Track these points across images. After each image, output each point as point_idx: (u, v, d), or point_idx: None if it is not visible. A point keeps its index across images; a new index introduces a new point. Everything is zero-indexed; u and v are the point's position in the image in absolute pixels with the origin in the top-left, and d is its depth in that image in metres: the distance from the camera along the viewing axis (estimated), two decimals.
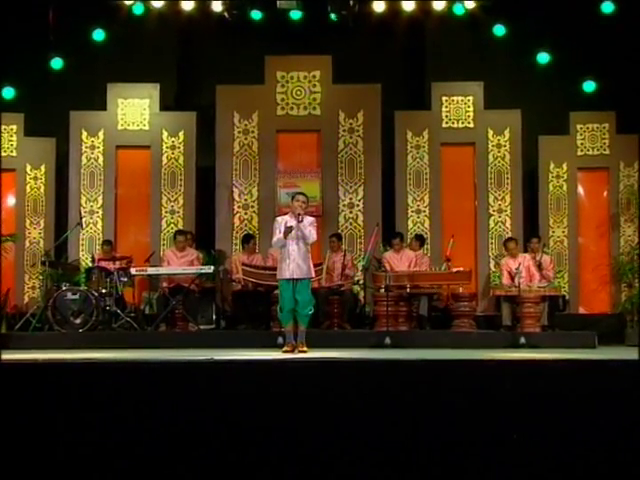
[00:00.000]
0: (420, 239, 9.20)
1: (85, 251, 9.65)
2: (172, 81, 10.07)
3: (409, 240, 9.27)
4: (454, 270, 8.30)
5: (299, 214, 6.46)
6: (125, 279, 8.44)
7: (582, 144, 9.84)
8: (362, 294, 9.11)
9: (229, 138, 9.81)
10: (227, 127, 9.81)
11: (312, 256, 6.87)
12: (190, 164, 9.83)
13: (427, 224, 9.74)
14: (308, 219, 6.55)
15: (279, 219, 6.70)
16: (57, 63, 9.58)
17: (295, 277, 6.47)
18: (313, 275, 6.75)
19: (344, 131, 9.82)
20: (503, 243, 9.08)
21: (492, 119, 9.79)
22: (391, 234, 9.14)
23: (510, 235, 9.51)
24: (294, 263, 6.46)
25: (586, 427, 3.71)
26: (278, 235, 6.53)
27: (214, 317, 8.83)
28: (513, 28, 9.57)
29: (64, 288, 8.20)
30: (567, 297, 9.33)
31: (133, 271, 8.37)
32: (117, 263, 8.65)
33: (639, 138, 8.75)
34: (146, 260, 8.75)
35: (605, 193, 9.82)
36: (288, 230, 6.44)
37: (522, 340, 7.51)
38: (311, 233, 6.50)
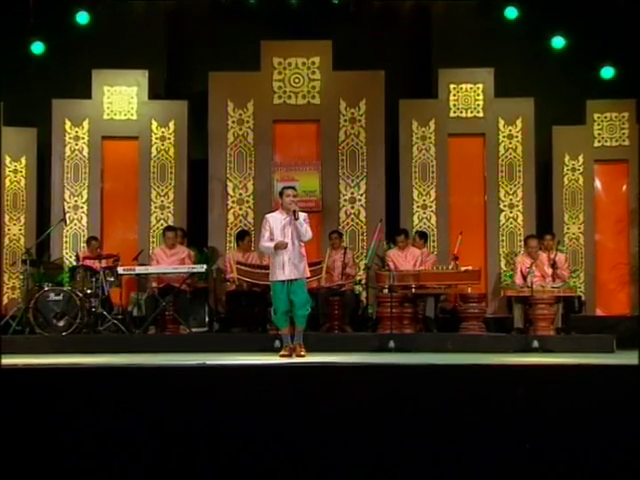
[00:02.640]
0: (423, 236, 9.20)
1: (69, 249, 9.65)
2: (162, 67, 10.05)
3: (411, 237, 9.25)
4: (462, 269, 8.30)
5: (294, 211, 6.43)
6: (112, 279, 8.44)
7: (599, 134, 9.83)
8: (364, 294, 9.12)
9: (223, 128, 9.80)
10: (221, 117, 9.81)
11: (311, 254, 6.88)
12: (181, 156, 9.83)
13: (433, 220, 9.74)
14: (301, 215, 6.52)
15: (269, 217, 6.62)
16: (38, 47, 9.56)
17: (292, 278, 6.45)
18: (308, 275, 6.73)
19: (345, 121, 9.82)
20: (524, 240, 9.03)
21: (503, 108, 9.78)
22: (395, 231, 9.14)
23: (522, 232, 9.53)
24: (290, 264, 6.43)
25: (603, 436, 3.71)
26: (268, 242, 6.49)
27: (207, 319, 8.83)
28: (526, 11, 9.56)
29: (46, 288, 8.20)
30: (583, 298, 9.32)
31: (120, 270, 8.36)
32: (103, 262, 8.64)
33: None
34: (134, 258, 8.74)
35: (624, 187, 9.81)
36: (281, 246, 6.41)
37: (535, 344, 7.52)
38: (307, 231, 6.47)
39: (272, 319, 6.83)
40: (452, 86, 9.84)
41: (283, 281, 6.46)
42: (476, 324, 8.25)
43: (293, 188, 6.69)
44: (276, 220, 6.54)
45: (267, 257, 8.58)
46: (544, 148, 9.81)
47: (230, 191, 9.79)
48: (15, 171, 9.80)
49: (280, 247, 6.42)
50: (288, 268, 6.43)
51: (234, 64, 9.73)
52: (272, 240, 6.49)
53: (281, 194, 6.63)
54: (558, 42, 9.61)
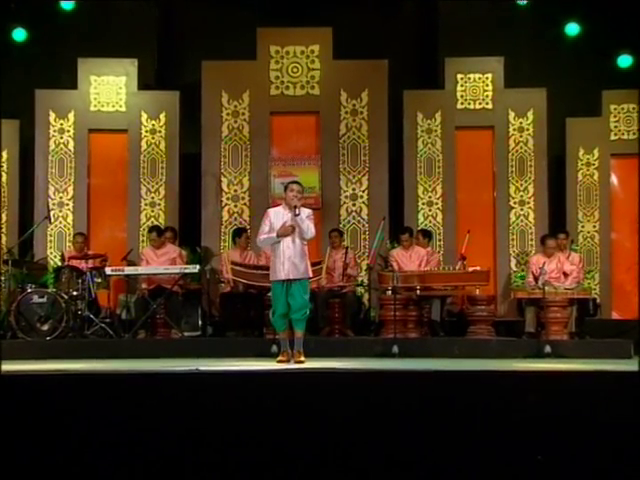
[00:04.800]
0: (427, 235, 9.17)
1: (54, 248, 9.65)
2: (152, 56, 10.05)
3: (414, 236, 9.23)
4: (470, 269, 8.31)
5: (295, 206, 6.43)
6: (99, 280, 8.44)
7: (616, 127, 9.83)
8: (366, 296, 9.11)
9: (217, 121, 9.80)
10: (214, 108, 9.80)
11: (310, 254, 6.86)
12: (172, 150, 9.83)
13: (440, 218, 9.75)
14: (305, 211, 6.52)
15: (271, 212, 6.65)
16: (20, 34, 9.54)
17: (291, 278, 6.45)
18: (311, 275, 6.74)
19: (346, 113, 9.82)
20: (541, 239, 8.96)
21: (514, 99, 9.78)
22: (399, 229, 9.14)
23: (533, 230, 9.54)
24: (290, 262, 6.43)
25: (620, 447, 3.71)
26: (267, 234, 6.48)
27: (200, 323, 8.84)
28: None
29: (29, 290, 8.19)
30: (598, 300, 9.33)
31: (108, 271, 8.36)
32: (90, 262, 8.65)
33: None
34: (123, 258, 8.74)
35: None
36: (285, 232, 6.40)
37: (547, 349, 7.52)
38: (309, 228, 6.47)
39: (270, 320, 6.82)
40: (459, 76, 9.83)
41: (283, 281, 6.46)
42: (485, 328, 8.25)
43: (298, 183, 6.69)
44: (278, 215, 6.55)
45: (264, 257, 8.62)
46: (557, 141, 9.81)
47: (225, 187, 9.79)
48: None
49: (285, 233, 6.40)
50: (288, 267, 6.42)
51: (229, 53, 9.73)
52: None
53: (286, 188, 6.64)
54: (572, 29, 9.60)
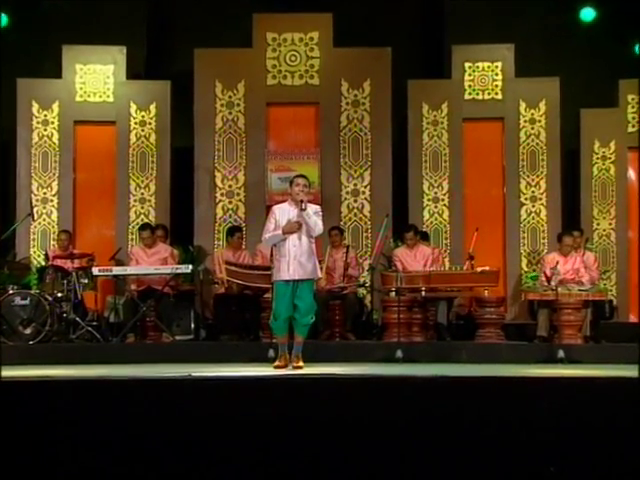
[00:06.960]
0: (423, 236, 9.12)
1: (37, 247, 9.65)
2: (141, 43, 10.06)
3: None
4: (479, 270, 8.31)
5: (302, 201, 6.42)
6: (85, 281, 8.44)
7: (634, 118, 9.84)
8: (368, 298, 9.11)
9: (210, 112, 9.81)
10: (208, 99, 9.81)
11: None
12: (163, 143, 9.83)
13: (446, 215, 9.75)
14: (312, 207, 6.50)
15: (276, 209, 6.61)
16: (1, 20, 9.54)
17: (297, 278, 6.43)
18: (319, 274, 6.71)
19: (347, 104, 9.83)
20: (558, 236, 8.89)
21: (525, 89, 9.79)
22: (403, 227, 9.15)
23: (545, 228, 9.54)
24: (296, 261, 6.40)
25: (637, 456, 3.71)
26: (273, 231, 6.46)
27: (192, 326, 8.84)
28: None
29: (11, 292, 8.19)
30: (614, 302, 9.34)
31: (95, 271, 8.37)
32: (76, 262, 8.65)
33: None
34: (111, 258, 8.76)
35: None
36: (291, 229, 6.39)
37: (560, 354, 7.52)
38: (317, 224, 6.44)
39: (269, 323, 6.78)
40: (467, 65, 9.84)
41: (287, 281, 6.42)
42: (494, 331, 8.26)
43: (304, 177, 6.66)
44: (283, 212, 6.52)
45: (260, 257, 8.63)
46: (571, 134, 9.82)
47: (218, 182, 9.80)
48: None
49: (291, 230, 6.37)
50: (293, 266, 6.38)
51: (223, 40, 9.74)
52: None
53: (291, 183, 6.61)
54: (587, 14, 9.61)
